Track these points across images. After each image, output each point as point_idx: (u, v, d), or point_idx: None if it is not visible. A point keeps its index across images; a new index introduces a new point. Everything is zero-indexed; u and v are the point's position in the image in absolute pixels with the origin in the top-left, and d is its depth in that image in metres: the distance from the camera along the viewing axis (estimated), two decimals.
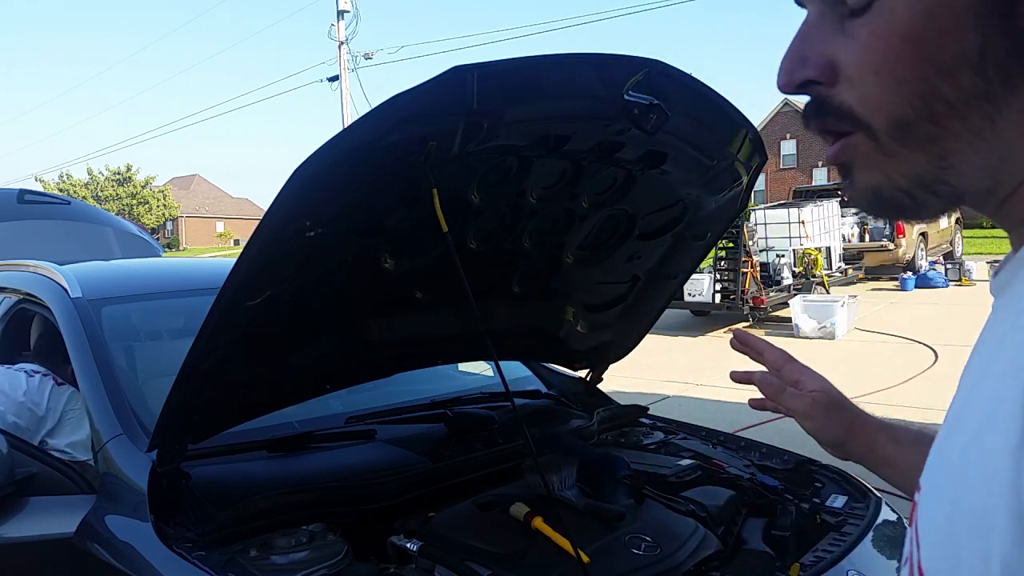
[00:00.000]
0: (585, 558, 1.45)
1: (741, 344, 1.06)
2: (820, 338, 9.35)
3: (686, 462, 2.11)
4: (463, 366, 2.87)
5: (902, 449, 0.90)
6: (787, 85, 0.50)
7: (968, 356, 0.55)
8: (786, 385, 0.97)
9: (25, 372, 2.39)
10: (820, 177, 34.82)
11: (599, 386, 2.69)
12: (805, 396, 0.95)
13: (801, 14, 0.52)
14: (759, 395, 1.03)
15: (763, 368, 1.03)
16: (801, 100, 0.50)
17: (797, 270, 11.68)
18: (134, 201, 52.70)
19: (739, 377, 1.06)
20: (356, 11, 21.01)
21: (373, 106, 1.33)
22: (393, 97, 1.27)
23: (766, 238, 12.05)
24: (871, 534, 1.77)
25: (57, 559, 1.77)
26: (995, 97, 0.43)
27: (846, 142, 0.49)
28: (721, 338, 10.11)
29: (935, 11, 0.43)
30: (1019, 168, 0.45)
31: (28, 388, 2.32)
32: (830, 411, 0.94)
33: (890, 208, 0.50)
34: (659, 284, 2.29)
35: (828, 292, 11.34)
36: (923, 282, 13.08)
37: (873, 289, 13.46)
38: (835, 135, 0.51)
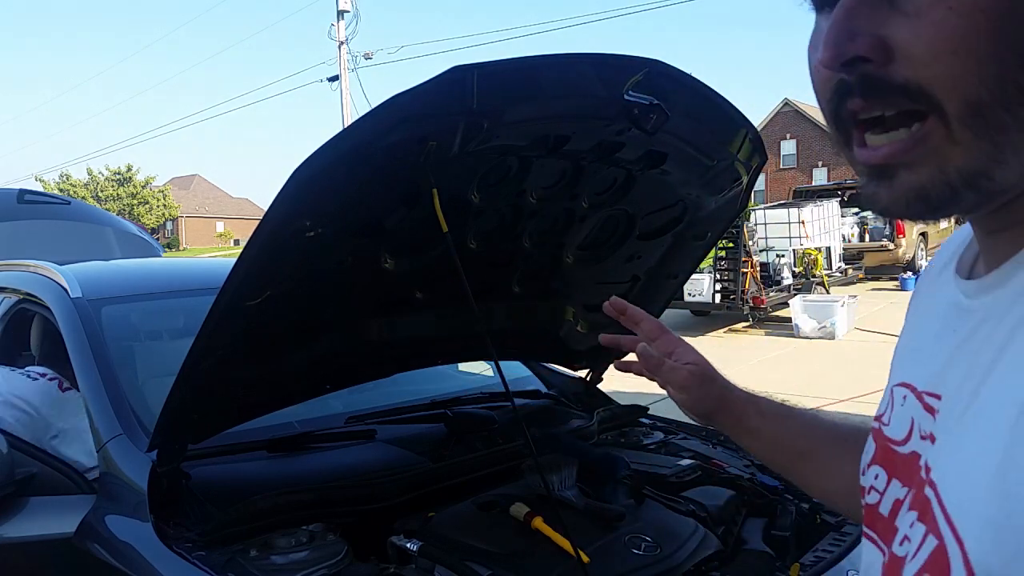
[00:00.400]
0: (585, 558, 1.45)
1: (616, 311, 1.04)
2: (820, 338, 9.35)
3: (686, 462, 2.11)
4: (463, 366, 2.87)
5: (767, 421, 0.93)
6: (833, 60, 0.47)
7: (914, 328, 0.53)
8: (664, 358, 0.99)
9: (28, 376, 2.38)
10: (820, 177, 34.79)
11: (599, 386, 2.69)
12: (682, 369, 0.97)
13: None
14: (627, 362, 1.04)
15: (634, 336, 1.04)
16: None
17: (797, 270, 11.69)
18: (134, 201, 52.66)
19: (607, 341, 1.07)
20: (356, 11, 21.02)
21: (373, 106, 1.33)
22: (393, 97, 1.27)
23: (766, 238, 12.05)
24: None
25: (57, 559, 1.77)
26: None
27: (918, 133, 0.46)
28: (721, 338, 10.11)
29: None
30: None
31: (27, 392, 2.31)
32: (704, 384, 0.96)
33: (927, 209, 0.47)
34: (659, 284, 2.29)
35: (828, 292, 11.34)
36: None
37: (873, 289, 13.46)
38: (860, 128, 0.48)
